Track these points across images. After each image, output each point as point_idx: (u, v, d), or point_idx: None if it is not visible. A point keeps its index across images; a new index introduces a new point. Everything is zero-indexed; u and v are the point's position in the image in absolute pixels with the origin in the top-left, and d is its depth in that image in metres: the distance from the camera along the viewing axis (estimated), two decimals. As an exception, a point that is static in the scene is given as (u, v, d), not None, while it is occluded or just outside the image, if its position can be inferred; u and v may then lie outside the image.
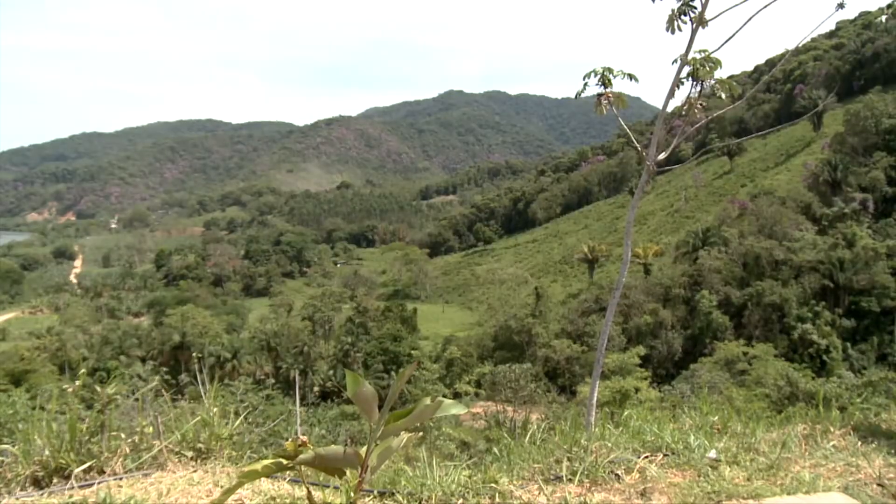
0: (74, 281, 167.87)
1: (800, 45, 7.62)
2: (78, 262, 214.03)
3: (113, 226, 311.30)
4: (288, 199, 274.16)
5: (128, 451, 5.69)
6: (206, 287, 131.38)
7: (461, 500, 4.46)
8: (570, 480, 4.66)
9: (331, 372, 76.94)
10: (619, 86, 7.35)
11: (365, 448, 3.01)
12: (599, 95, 7.31)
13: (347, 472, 3.09)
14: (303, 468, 3.11)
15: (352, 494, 3.05)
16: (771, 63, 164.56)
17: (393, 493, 4.60)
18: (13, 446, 5.75)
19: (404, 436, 3.14)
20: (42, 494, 5.14)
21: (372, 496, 4.40)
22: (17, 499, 5.04)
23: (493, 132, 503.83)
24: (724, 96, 7.00)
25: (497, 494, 4.49)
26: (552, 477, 4.78)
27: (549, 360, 69.11)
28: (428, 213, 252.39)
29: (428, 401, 3.00)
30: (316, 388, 75.09)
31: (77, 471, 5.36)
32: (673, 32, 6.99)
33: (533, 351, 72.58)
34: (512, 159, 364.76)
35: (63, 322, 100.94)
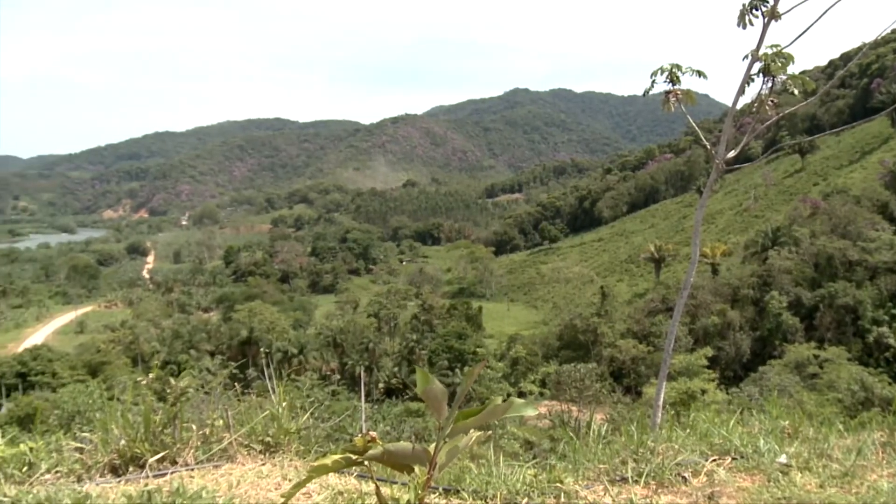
0: (147, 276, 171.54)
1: (878, 38, 7.36)
2: (150, 258, 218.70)
3: (183, 223, 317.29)
4: (354, 196, 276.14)
5: (199, 442, 5.81)
6: (273, 283, 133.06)
7: (526, 499, 4.44)
8: (636, 482, 4.61)
9: (395, 369, 77.34)
10: (688, 82, 7.23)
11: (433, 445, 3.01)
12: (667, 93, 7.21)
13: (416, 469, 3.10)
14: (371, 464, 3.12)
15: (419, 491, 3.05)
16: (846, 57, 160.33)
17: (458, 491, 4.60)
18: (92, 434, 5.92)
19: (473, 434, 3.12)
20: (119, 482, 5.28)
21: (437, 493, 4.41)
22: (97, 485, 5.19)
23: (558, 130, 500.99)
24: (796, 92, 6.83)
25: (562, 494, 4.45)
26: (618, 478, 4.73)
27: (614, 360, 68.56)
28: (493, 212, 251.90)
29: (499, 400, 2.99)
30: (381, 385, 75.57)
31: (151, 460, 5.50)
32: (744, 27, 6.85)
33: (598, 351, 72.04)
34: (578, 157, 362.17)
35: (136, 316, 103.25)
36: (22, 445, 5.69)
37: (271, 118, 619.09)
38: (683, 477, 4.64)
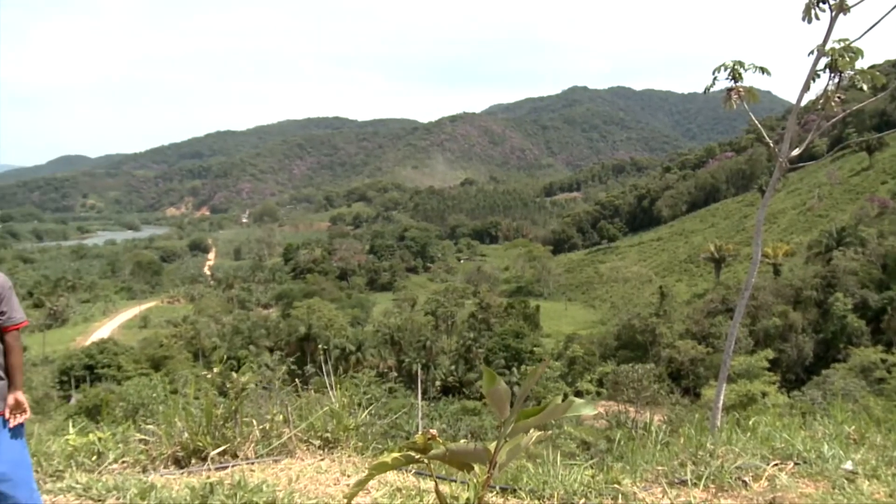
0: (208, 273, 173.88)
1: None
2: (211, 255, 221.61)
3: (244, 220, 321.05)
4: (412, 195, 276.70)
5: (259, 437, 5.92)
6: (331, 281, 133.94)
7: (583, 500, 4.43)
8: (695, 485, 4.55)
9: (452, 367, 77.38)
10: (750, 79, 7.13)
11: (494, 444, 3.02)
12: (729, 90, 7.11)
13: (476, 468, 3.10)
14: (431, 462, 3.14)
15: (479, 490, 3.06)
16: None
17: (515, 490, 4.61)
18: (156, 427, 6.06)
19: (533, 434, 3.12)
20: (182, 473, 5.39)
21: (495, 492, 4.42)
22: (161, 476, 5.30)
23: (617, 128, 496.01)
24: (865, 88, 6.66)
25: (620, 496, 4.43)
26: (676, 480, 4.68)
27: (672, 361, 67.74)
28: (551, 210, 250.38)
29: (559, 400, 2.98)
30: (437, 383, 75.65)
31: (213, 453, 5.60)
32: (810, 21, 6.71)
33: (656, 351, 71.27)
34: (637, 156, 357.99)
35: (197, 312, 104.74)
36: (91, 435, 5.85)
37: (330, 117, 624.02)
38: (744, 481, 4.57)
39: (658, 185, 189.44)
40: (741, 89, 7.06)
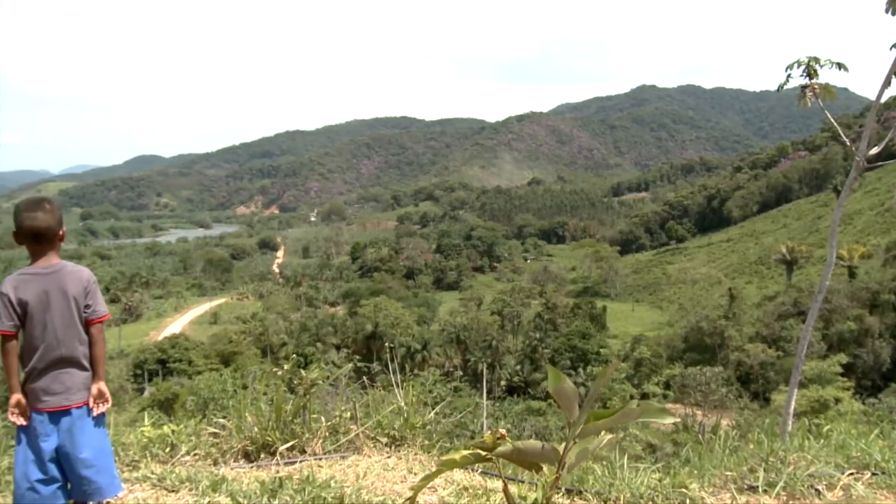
0: (277, 270, 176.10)
1: None
2: (280, 253, 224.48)
3: (312, 219, 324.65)
4: (479, 194, 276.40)
5: (327, 433, 6.00)
6: (398, 279, 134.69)
7: (650, 503, 4.40)
8: (765, 492, 4.46)
9: (518, 367, 77.19)
10: (826, 76, 6.98)
11: (563, 445, 3.01)
12: (804, 87, 6.97)
13: (544, 468, 3.10)
14: (499, 461, 3.14)
15: (547, 490, 3.05)
16: None
17: (581, 492, 4.60)
18: (227, 421, 6.19)
19: (604, 436, 3.10)
20: (252, 467, 5.51)
21: (560, 493, 4.41)
22: (232, 469, 5.43)
23: (686, 127, 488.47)
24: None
25: (688, 500, 4.38)
26: (746, 487, 4.60)
27: (741, 365, 66.55)
28: (619, 210, 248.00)
29: (634, 404, 2.95)
30: (503, 383, 75.55)
31: (282, 448, 5.71)
32: (894, 13, 6.55)
33: (725, 354, 70.09)
34: (706, 155, 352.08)
35: (266, 309, 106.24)
36: (165, 428, 6.01)
37: (398, 116, 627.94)
38: (817, 490, 4.46)
39: (728, 185, 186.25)
40: (816, 86, 6.92)
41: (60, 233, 4.30)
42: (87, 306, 4.24)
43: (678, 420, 46.90)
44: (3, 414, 5.19)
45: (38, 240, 4.22)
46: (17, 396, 4.16)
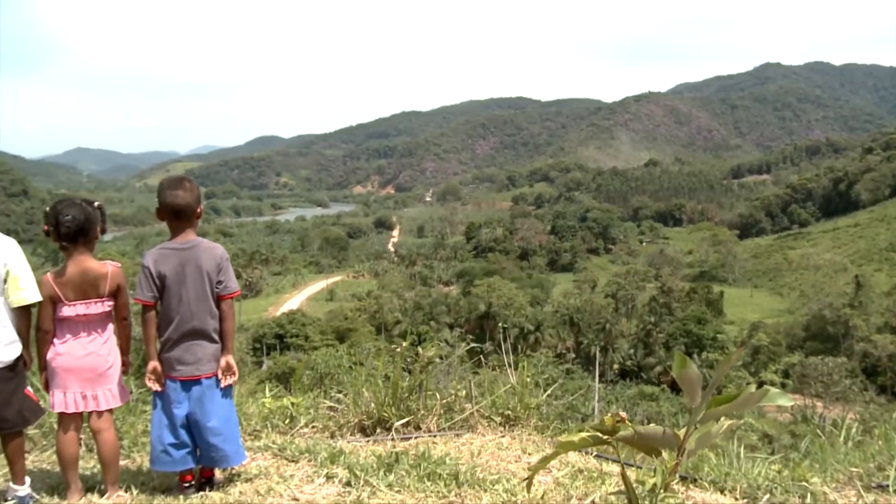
0: (392, 249, 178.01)
1: None
2: (395, 232, 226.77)
3: (427, 199, 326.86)
4: (595, 175, 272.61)
5: (441, 411, 6.10)
6: (512, 260, 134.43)
7: (767, 496, 4.32)
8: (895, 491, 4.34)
9: (631, 351, 76.32)
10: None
11: (683, 431, 2.99)
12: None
13: (664, 454, 3.08)
14: (618, 445, 3.14)
15: (667, 476, 3.04)
16: None
17: (696, 480, 4.56)
18: (344, 396, 6.37)
19: (724, 422, 3.06)
20: (368, 441, 5.66)
21: (675, 479, 4.39)
22: (349, 442, 5.59)
23: (812, 107, 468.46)
24: None
25: (809, 495, 4.27)
26: (874, 485, 4.44)
27: (867, 356, 64.04)
28: (739, 193, 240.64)
29: (752, 388, 2.91)
30: (615, 366, 74.84)
31: (397, 424, 5.83)
32: None
33: (849, 344, 67.58)
34: (834, 136, 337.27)
35: (381, 287, 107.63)
36: (285, 400, 6.23)
37: (514, 97, 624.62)
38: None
39: (857, 168, 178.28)
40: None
41: (198, 210, 4.55)
42: (219, 282, 4.47)
43: (798, 404, 45.59)
44: (139, 380, 5.49)
45: (177, 216, 4.46)
46: (153, 364, 4.41)
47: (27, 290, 4.24)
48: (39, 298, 4.27)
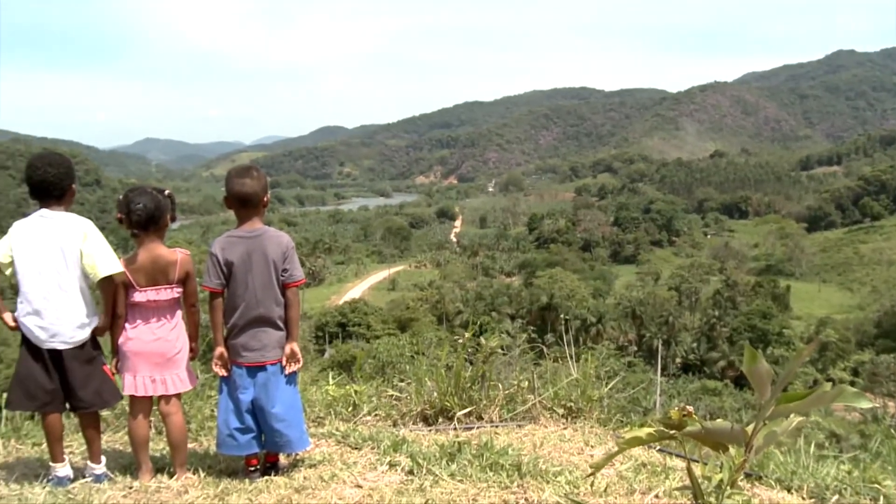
0: (454, 240, 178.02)
1: None
2: (457, 223, 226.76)
3: (490, 189, 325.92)
4: (659, 166, 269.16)
5: (504, 401, 6.10)
6: (574, 251, 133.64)
7: (836, 497, 4.23)
8: (980, 500, 4.20)
9: (694, 344, 75.44)
10: None
11: (751, 426, 2.93)
12: None
13: (731, 450, 3.02)
14: (684, 440, 3.09)
15: (733, 473, 2.97)
16: None
17: (761, 477, 4.49)
18: (407, 384, 6.41)
19: (794, 419, 2.98)
20: (430, 430, 5.69)
21: (741, 476, 4.32)
22: (411, 431, 5.63)
23: (889, 95, 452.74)
24: None
25: (882, 497, 4.17)
26: (950, 490, 4.32)
27: (944, 356, 62.37)
28: (807, 185, 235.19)
29: (827, 386, 2.82)
30: (678, 360, 74.07)
31: (459, 414, 5.85)
32: None
33: (924, 342, 65.90)
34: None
35: (442, 277, 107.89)
36: (348, 388, 6.29)
37: (577, 87, 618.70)
38: None
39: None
40: None
41: (265, 199, 4.61)
42: (284, 270, 4.53)
43: (872, 403, 44.52)
44: (205, 366, 5.60)
45: (244, 204, 4.54)
46: (220, 349, 4.51)
47: (109, 262, 4.37)
48: (120, 269, 4.40)
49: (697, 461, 3.40)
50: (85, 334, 4.41)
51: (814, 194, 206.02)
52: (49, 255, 4.33)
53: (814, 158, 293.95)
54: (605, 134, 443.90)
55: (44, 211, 4.37)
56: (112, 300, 4.44)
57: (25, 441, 5.36)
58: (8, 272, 4.37)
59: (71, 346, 4.35)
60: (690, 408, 2.95)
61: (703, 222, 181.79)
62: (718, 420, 3.09)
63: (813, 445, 5.16)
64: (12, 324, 4.36)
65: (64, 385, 4.39)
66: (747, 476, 4.43)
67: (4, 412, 5.58)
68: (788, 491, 4.37)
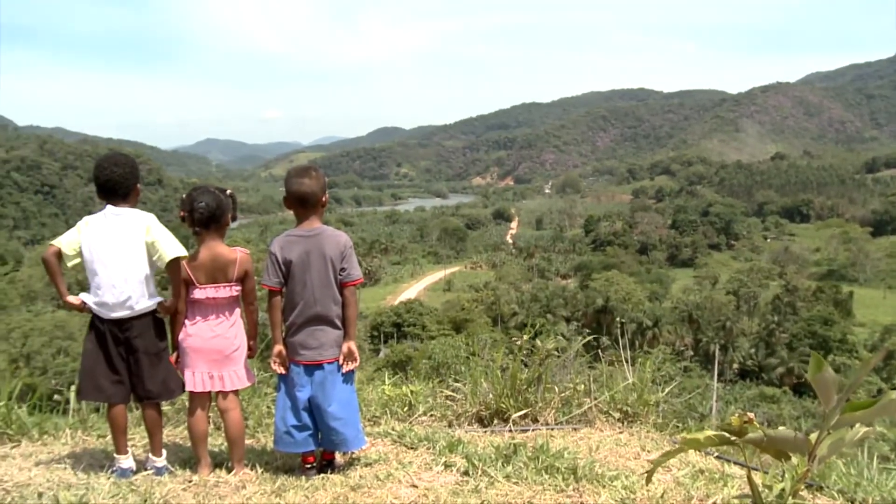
0: (510, 241, 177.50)
1: None
2: (514, 224, 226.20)
3: (546, 191, 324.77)
4: (718, 169, 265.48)
5: (559, 404, 6.07)
6: (631, 254, 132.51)
7: (902, 510, 4.13)
8: None
9: (752, 350, 74.23)
10: None
11: (815, 435, 2.86)
12: None
13: (794, 458, 2.96)
14: (744, 447, 3.03)
15: (796, 482, 2.91)
16: None
17: (822, 488, 4.41)
18: (462, 385, 6.42)
19: (860, 429, 2.91)
20: (486, 432, 5.68)
21: (802, 486, 4.24)
22: (466, 432, 5.63)
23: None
24: None
25: (950, 513, 4.05)
26: None
27: None
28: (873, 189, 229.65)
29: (894, 395, 2.75)
30: (735, 366, 72.98)
31: (515, 416, 5.84)
32: None
33: None
34: None
35: (498, 278, 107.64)
36: (404, 388, 6.32)
37: (635, 88, 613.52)
38: None
39: None
40: None
41: (323, 199, 4.65)
42: (342, 269, 4.56)
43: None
44: (263, 364, 5.67)
45: (303, 204, 4.58)
46: (278, 347, 4.56)
47: (175, 246, 4.50)
48: (185, 252, 4.52)
49: (758, 469, 3.34)
50: (150, 303, 4.54)
51: (880, 198, 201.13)
52: (116, 248, 4.48)
53: (880, 161, 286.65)
54: (663, 136, 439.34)
55: (111, 208, 4.50)
56: (179, 281, 4.55)
57: (91, 433, 5.51)
58: (71, 264, 4.51)
59: (136, 314, 4.49)
60: (751, 414, 2.90)
61: (762, 226, 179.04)
62: (781, 428, 3.02)
63: (876, 457, 5.04)
64: (77, 302, 4.47)
65: (130, 376, 4.51)
66: (808, 486, 4.34)
67: (72, 404, 5.74)
68: (851, 503, 4.27)
